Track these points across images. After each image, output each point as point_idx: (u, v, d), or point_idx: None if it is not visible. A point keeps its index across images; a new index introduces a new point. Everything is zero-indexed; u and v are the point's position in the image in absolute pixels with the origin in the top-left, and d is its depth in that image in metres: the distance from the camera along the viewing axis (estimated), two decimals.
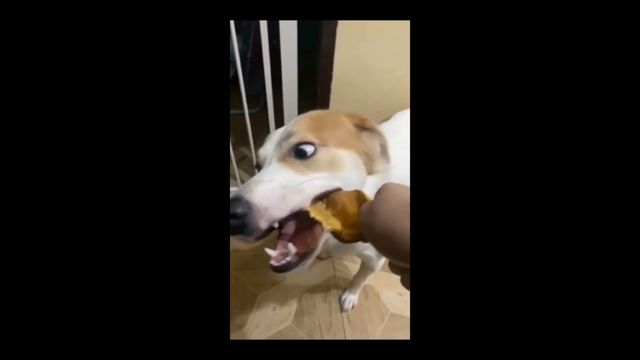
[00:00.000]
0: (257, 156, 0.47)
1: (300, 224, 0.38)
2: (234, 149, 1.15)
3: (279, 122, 1.00)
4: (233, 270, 1.04)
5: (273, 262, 0.36)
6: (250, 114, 1.06)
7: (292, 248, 0.36)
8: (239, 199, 0.34)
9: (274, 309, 0.95)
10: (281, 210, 0.34)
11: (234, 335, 0.88)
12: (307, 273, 1.05)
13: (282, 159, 0.41)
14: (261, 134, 1.29)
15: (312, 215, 0.32)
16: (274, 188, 0.35)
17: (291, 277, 1.04)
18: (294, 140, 0.41)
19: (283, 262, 0.36)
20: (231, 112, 1.36)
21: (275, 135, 0.45)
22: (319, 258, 1.09)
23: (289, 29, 0.88)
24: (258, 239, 0.36)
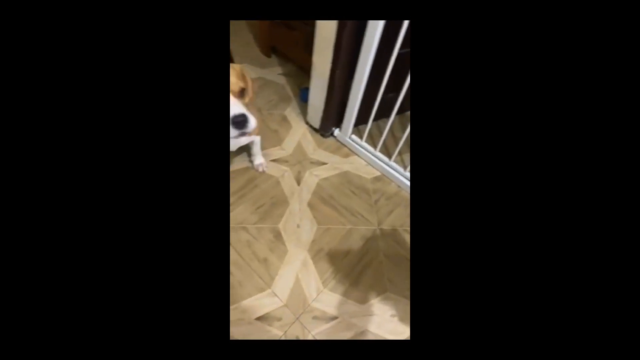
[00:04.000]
0: None
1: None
2: (274, 108, 1.10)
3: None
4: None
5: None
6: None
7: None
8: (245, 114, 0.73)
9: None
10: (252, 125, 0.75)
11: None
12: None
13: (235, 97, 0.75)
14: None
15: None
16: (251, 116, 0.75)
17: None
18: (236, 87, 0.75)
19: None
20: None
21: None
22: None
23: None
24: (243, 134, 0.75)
